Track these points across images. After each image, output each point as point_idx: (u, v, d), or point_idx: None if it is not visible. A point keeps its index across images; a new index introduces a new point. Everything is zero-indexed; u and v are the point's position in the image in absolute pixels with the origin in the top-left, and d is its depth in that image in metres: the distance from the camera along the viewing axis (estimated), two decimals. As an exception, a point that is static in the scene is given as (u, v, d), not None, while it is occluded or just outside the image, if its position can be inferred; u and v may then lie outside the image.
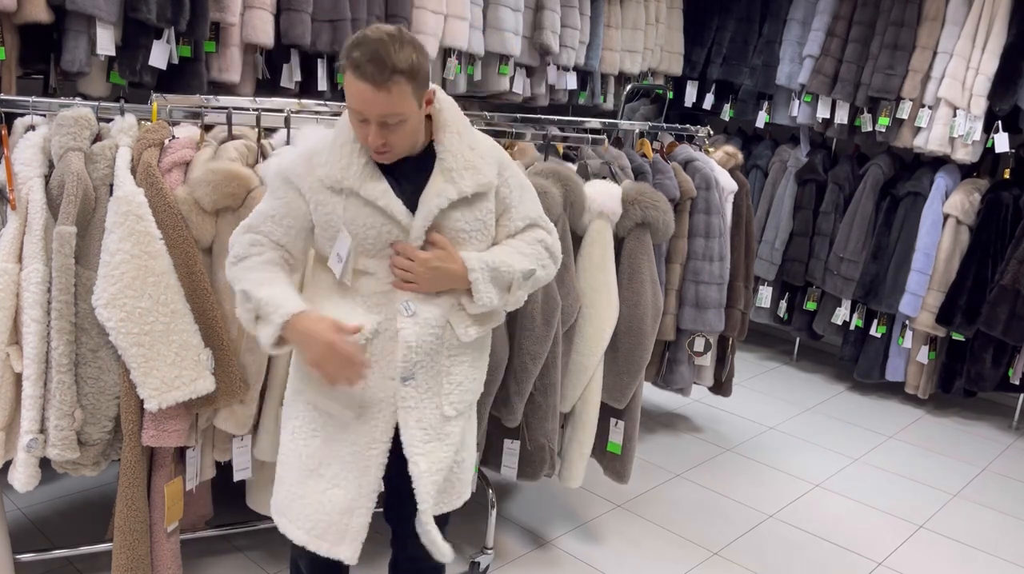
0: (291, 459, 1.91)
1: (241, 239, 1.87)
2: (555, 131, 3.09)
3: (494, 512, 2.91)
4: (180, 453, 2.40)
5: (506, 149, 3.06)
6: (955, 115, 4.29)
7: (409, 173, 1.81)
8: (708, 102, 5.41)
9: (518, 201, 1.94)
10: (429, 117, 1.83)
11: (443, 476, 1.90)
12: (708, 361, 3.69)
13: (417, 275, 1.78)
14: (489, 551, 2.89)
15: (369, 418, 1.85)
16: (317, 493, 1.88)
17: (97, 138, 2.25)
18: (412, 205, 1.80)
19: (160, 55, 3.04)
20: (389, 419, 1.85)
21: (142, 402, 2.17)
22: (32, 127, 2.24)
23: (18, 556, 2.51)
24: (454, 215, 1.82)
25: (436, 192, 1.79)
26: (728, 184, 3.46)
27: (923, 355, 4.47)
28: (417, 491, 1.86)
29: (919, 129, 4.44)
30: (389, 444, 1.87)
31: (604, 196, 2.73)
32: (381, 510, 2.16)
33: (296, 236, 1.85)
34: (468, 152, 1.83)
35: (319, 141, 1.84)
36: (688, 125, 3.57)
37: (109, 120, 2.31)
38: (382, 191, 1.77)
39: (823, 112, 4.75)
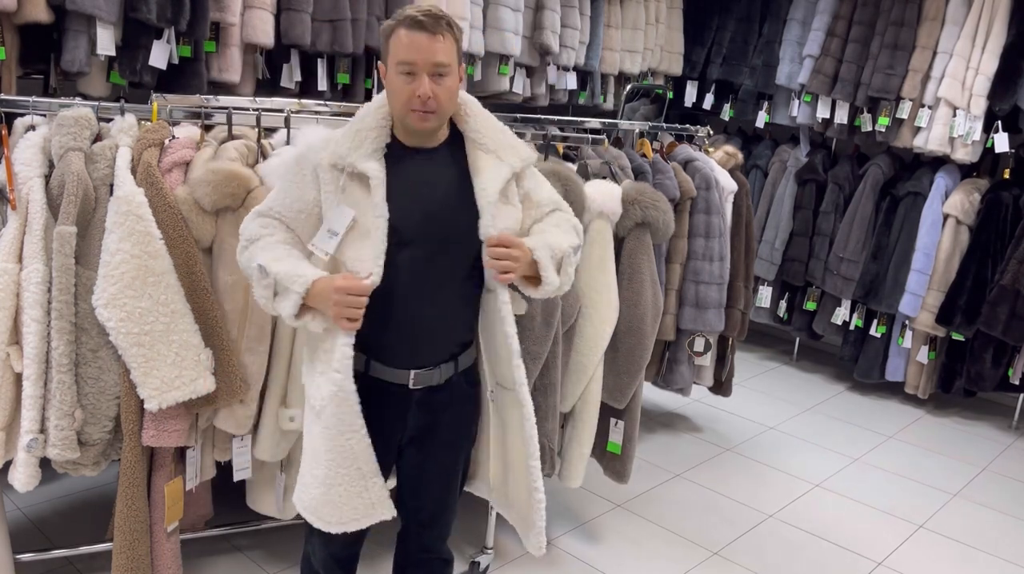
0: (319, 457, 1.93)
1: (252, 223, 1.91)
2: (555, 131, 3.09)
3: (494, 512, 2.91)
4: (180, 453, 2.40)
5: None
6: (955, 115, 4.29)
7: (424, 165, 1.86)
8: (708, 102, 5.41)
9: (538, 188, 2.02)
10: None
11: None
12: (708, 361, 3.69)
13: (521, 262, 1.82)
14: (489, 551, 2.89)
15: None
16: (352, 494, 1.90)
17: (97, 138, 2.25)
18: (428, 196, 1.83)
19: (160, 55, 3.04)
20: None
21: (142, 402, 2.17)
22: (32, 127, 2.24)
23: (18, 556, 2.51)
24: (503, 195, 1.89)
25: (491, 169, 1.86)
26: (728, 184, 3.46)
27: (923, 355, 4.47)
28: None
29: (919, 129, 4.44)
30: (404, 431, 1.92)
31: (604, 196, 2.73)
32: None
33: (305, 220, 1.87)
34: (500, 135, 1.91)
35: (338, 130, 1.89)
36: (688, 125, 3.57)
37: (109, 120, 2.31)
38: (376, 170, 1.80)
39: (823, 112, 4.75)
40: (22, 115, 2.27)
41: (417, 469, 1.99)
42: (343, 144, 1.82)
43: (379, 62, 1.86)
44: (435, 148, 1.88)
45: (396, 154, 1.85)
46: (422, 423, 1.95)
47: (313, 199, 1.85)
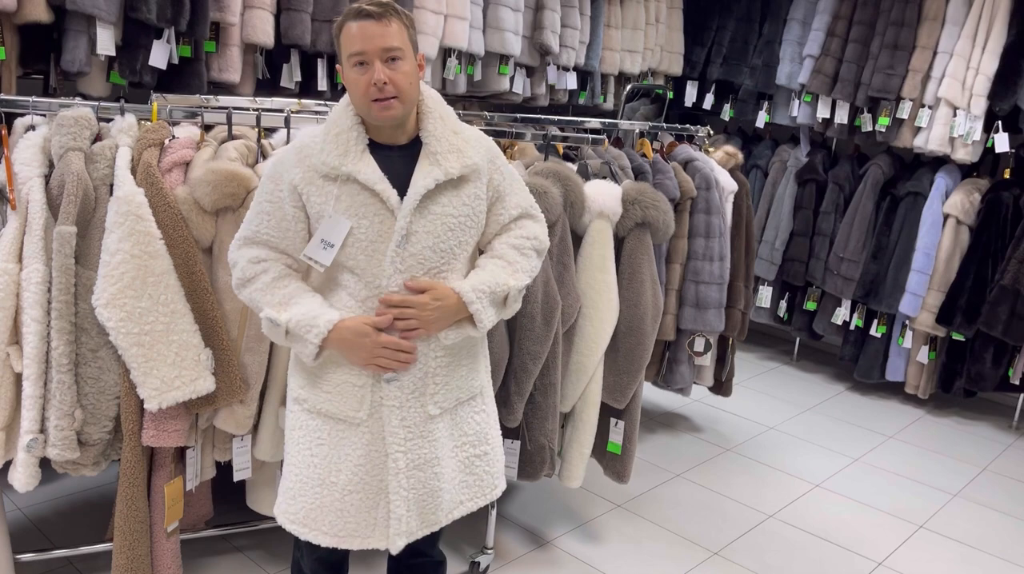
0: (301, 470, 1.92)
1: (240, 256, 1.88)
2: (555, 131, 3.09)
3: (494, 512, 2.91)
4: (180, 453, 2.40)
5: (506, 149, 3.07)
6: (955, 115, 4.29)
7: (397, 163, 1.82)
8: (708, 102, 5.41)
9: (510, 189, 1.97)
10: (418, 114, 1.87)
11: (424, 474, 1.91)
12: (708, 361, 3.69)
13: (422, 318, 1.80)
14: (489, 551, 2.89)
15: (381, 415, 1.87)
16: (335, 501, 1.89)
17: (97, 138, 2.25)
18: (402, 194, 1.80)
19: (160, 55, 3.04)
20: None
21: (142, 402, 2.17)
22: (32, 127, 2.24)
23: (18, 556, 2.50)
24: (442, 200, 1.82)
25: (423, 174, 1.80)
26: (728, 184, 3.46)
27: (923, 355, 4.47)
28: (391, 487, 1.87)
29: (919, 129, 4.44)
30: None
31: (604, 196, 2.73)
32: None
33: (293, 238, 1.85)
34: (452, 136, 1.86)
35: (307, 136, 1.86)
36: (688, 125, 3.57)
37: (109, 120, 2.31)
38: (379, 177, 1.77)
39: (823, 112, 4.75)
40: (22, 115, 2.27)
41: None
42: (328, 152, 1.78)
43: (337, 64, 1.83)
44: (406, 145, 1.85)
45: (376, 154, 1.82)
46: None
47: (293, 216, 1.82)
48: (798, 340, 5.35)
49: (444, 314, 1.82)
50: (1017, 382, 4.27)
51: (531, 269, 1.97)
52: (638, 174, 3.09)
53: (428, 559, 2.17)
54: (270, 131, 2.59)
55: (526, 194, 2.03)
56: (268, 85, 3.54)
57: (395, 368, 1.80)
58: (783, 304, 5.05)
